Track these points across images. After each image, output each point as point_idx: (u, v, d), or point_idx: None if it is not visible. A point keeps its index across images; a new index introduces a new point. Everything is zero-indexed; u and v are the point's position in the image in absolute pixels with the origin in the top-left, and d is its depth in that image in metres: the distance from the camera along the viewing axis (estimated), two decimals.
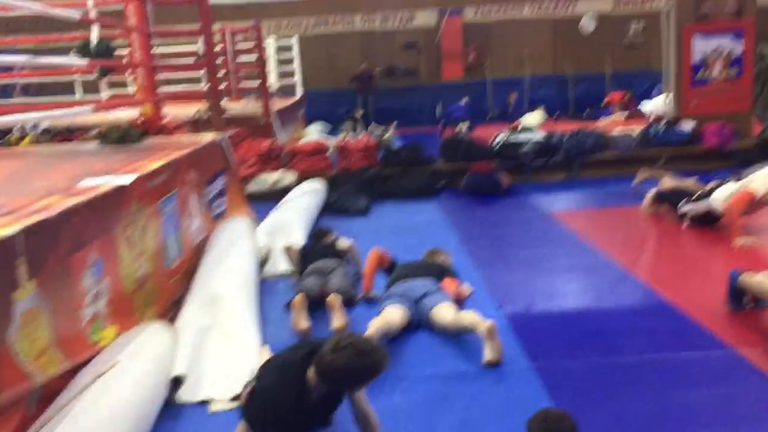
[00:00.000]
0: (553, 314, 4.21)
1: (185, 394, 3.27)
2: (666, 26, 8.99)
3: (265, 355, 3.53)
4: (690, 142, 8.72)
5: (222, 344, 3.61)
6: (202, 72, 9.97)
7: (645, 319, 4.03)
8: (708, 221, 5.80)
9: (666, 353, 3.53)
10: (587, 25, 15.50)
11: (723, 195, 5.61)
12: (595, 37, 15.94)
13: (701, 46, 8.78)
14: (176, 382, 3.29)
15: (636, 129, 9.43)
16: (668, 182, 6.60)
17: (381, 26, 16.51)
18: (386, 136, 11.99)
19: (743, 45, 8.80)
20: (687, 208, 5.91)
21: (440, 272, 4.39)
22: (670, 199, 6.24)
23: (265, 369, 2.82)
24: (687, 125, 8.79)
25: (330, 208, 7.52)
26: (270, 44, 13.61)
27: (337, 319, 3.95)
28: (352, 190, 7.83)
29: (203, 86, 9.61)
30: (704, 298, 4.20)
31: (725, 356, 3.45)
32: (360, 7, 16.24)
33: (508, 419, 2.97)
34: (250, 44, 11.22)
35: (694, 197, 5.93)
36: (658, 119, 9.90)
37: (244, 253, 4.90)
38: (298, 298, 4.14)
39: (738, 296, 3.94)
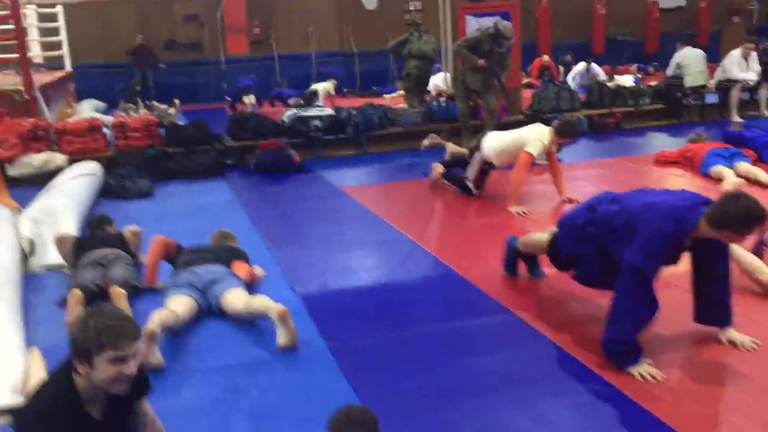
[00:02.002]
0: (347, 292, 4.20)
1: None
2: (442, 5, 9.36)
3: (36, 357, 3.12)
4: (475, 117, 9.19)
5: None
6: None
7: (434, 290, 4.16)
8: (486, 172, 6.26)
9: (455, 322, 3.65)
10: (368, 2, 15.79)
11: (491, 144, 6.02)
12: (378, 15, 16.30)
13: (474, 25, 9.24)
14: None
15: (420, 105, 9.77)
16: (450, 148, 7.08)
17: None
18: (170, 112, 11.34)
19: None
20: (469, 172, 6.24)
21: (230, 255, 4.18)
22: (454, 165, 6.56)
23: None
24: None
25: (108, 191, 6.94)
26: (30, 12, 12.21)
27: None
28: (132, 172, 7.29)
29: None
30: (486, 267, 4.42)
31: (508, 321, 3.64)
32: None
33: (306, 404, 2.89)
34: (5, 12, 9.96)
35: (468, 155, 6.34)
36: (439, 95, 10.37)
37: (2, 245, 4.32)
38: (74, 293, 3.72)
39: (514, 262, 4.18)
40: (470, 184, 6.25)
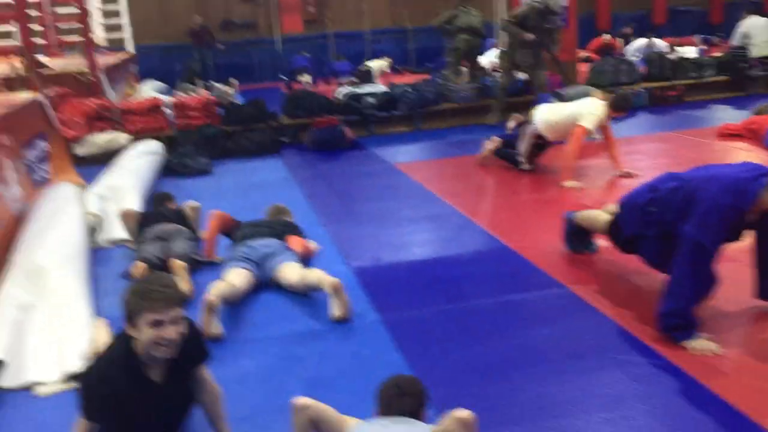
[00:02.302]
0: (399, 266, 4.24)
1: (8, 379, 2.97)
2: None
3: (103, 328, 3.28)
4: (523, 91, 9.08)
5: (48, 321, 3.30)
6: (14, 25, 9.02)
7: (486, 264, 4.17)
8: (540, 147, 6.16)
9: (507, 295, 3.66)
10: None
11: (542, 115, 5.97)
12: None
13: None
14: None
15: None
16: (510, 123, 6.92)
17: None
18: (227, 92, 11.53)
19: None
20: (520, 147, 6.20)
21: (285, 230, 4.27)
22: (509, 145, 6.47)
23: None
24: (519, 75, 9.14)
25: (169, 170, 7.14)
26: None
27: (182, 285, 3.75)
28: (192, 150, 7.48)
29: (16, 41, 8.70)
30: (539, 242, 4.40)
31: (561, 295, 3.64)
32: None
33: (358, 374, 2.96)
34: None
35: (519, 129, 6.26)
36: (494, 70, 10.24)
37: (70, 221, 4.52)
38: (139, 266, 3.88)
39: (574, 237, 4.14)
40: (521, 158, 6.19)
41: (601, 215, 3.85)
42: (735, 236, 3.08)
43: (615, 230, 3.63)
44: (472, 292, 3.74)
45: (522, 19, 8.08)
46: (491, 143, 6.60)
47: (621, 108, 5.77)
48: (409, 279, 4.02)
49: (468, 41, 9.69)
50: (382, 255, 4.43)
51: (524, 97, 8.82)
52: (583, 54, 12.76)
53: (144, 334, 2.22)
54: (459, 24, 9.69)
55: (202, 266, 4.24)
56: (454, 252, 4.42)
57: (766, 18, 10.34)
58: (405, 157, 7.47)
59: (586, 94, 6.30)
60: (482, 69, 10.00)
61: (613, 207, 3.82)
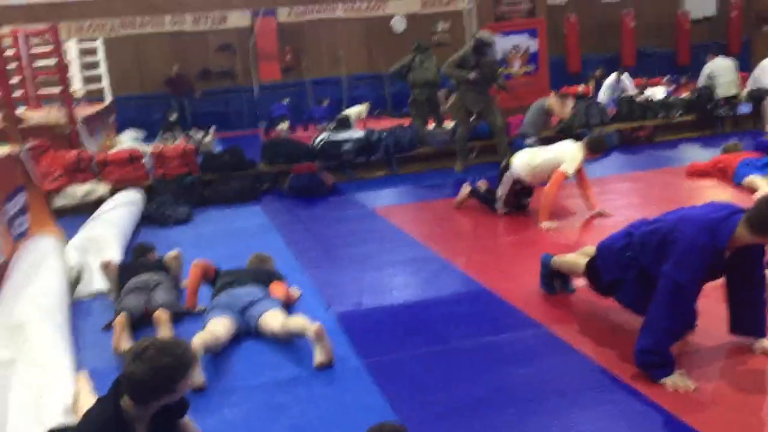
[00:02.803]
0: (381, 309, 4.28)
1: None
2: (469, 25, 9.49)
3: (83, 382, 3.27)
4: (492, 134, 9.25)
5: (29, 377, 3.29)
6: None
7: (466, 306, 4.22)
8: (521, 195, 6.26)
9: (487, 337, 3.71)
10: (397, 24, 16.00)
11: (522, 161, 6.08)
12: (406, 36, 16.50)
13: (502, 44, 9.37)
14: None
15: (451, 124, 9.87)
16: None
17: (192, 27, 15.96)
18: (206, 140, 11.64)
19: (538, 42, 9.51)
20: (499, 192, 6.29)
21: (267, 277, 4.31)
22: (484, 192, 6.58)
23: (85, 413, 2.47)
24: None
25: (149, 219, 7.16)
26: (71, 47, 12.70)
27: (164, 335, 3.76)
28: (171, 199, 7.51)
29: None
30: (517, 283, 4.47)
31: (539, 334, 3.70)
32: (169, 8, 15.60)
33: (343, 420, 2.98)
34: (48, 48, 10.38)
35: (499, 174, 6.33)
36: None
37: (51, 274, 4.52)
38: (120, 318, 3.89)
39: (550, 279, 4.22)
40: (498, 203, 6.28)
41: (578, 260, 3.92)
42: (712, 275, 3.16)
43: (594, 276, 3.71)
44: (453, 334, 3.78)
45: (461, 62, 8.26)
46: (466, 188, 6.70)
47: (597, 150, 5.92)
48: (391, 322, 4.06)
49: (424, 93, 9.79)
50: (363, 299, 4.47)
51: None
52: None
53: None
54: (412, 79, 9.80)
55: (184, 316, 4.25)
56: (433, 295, 4.48)
57: (730, 59, 10.69)
58: (383, 201, 7.56)
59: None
60: (441, 119, 10.12)
61: (590, 249, 3.91)
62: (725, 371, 3.22)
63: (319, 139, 9.14)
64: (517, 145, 8.01)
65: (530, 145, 7.81)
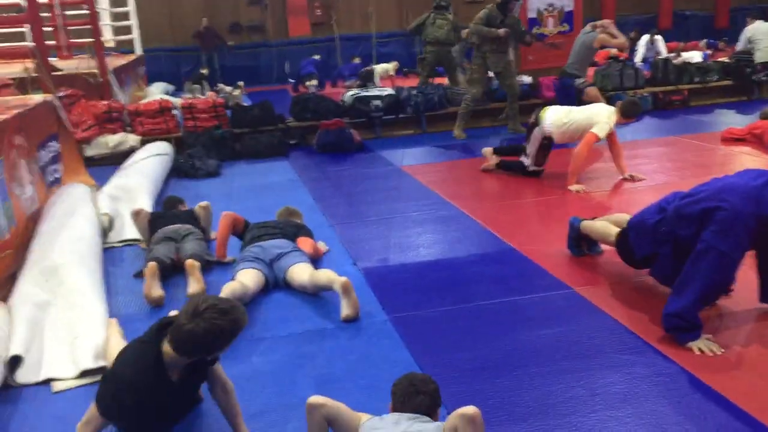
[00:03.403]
0: (407, 267, 4.30)
1: (24, 376, 3.05)
2: None
3: (114, 327, 3.35)
4: (530, 95, 9.15)
5: (63, 319, 3.38)
6: (26, 27, 9.12)
7: (492, 266, 4.22)
8: (547, 148, 6.14)
9: (513, 296, 3.72)
10: None
11: (553, 118, 5.92)
12: None
13: (536, 2, 9.17)
14: (14, 363, 3.05)
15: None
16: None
17: None
18: (235, 94, 11.64)
19: (573, 1, 9.29)
20: (528, 149, 6.17)
21: (295, 231, 4.35)
22: (509, 152, 6.53)
23: (121, 354, 2.56)
24: (525, 79, 9.20)
25: (179, 170, 7.23)
26: None
27: (195, 284, 3.84)
28: (201, 151, 7.56)
29: (28, 43, 8.80)
30: (545, 244, 4.46)
31: (566, 296, 3.70)
32: None
33: (368, 372, 3.02)
34: None
35: (528, 129, 6.20)
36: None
37: (83, 221, 4.60)
38: (150, 266, 3.96)
39: (578, 242, 4.20)
40: (528, 160, 6.17)
41: (609, 229, 3.86)
42: (755, 243, 3.09)
43: (625, 251, 3.66)
44: (479, 293, 3.80)
45: (487, 19, 8.06)
46: (492, 157, 6.56)
47: (630, 114, 5.80)
48: (417, 280, 4.08)
49: (435, 53, 9.70)
50: (390, 256, 4.50)
51: (529, 101, 8.88)
52: None
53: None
54: (424, 37, 9.76)
55: (213, 266, 4.32)
56: (460, 253, 4.48)
57: None
58: (411, 159, 7.53)
59: None
60: (457, 80, 9.96)
61: (620, 217, 3.87)
62: (752, 337, 3.20)
63: (348, 95, 9.09)
64: (565, 85, 7.98)
65: (580, 86, 7.86)
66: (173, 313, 3.74)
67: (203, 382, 2.62)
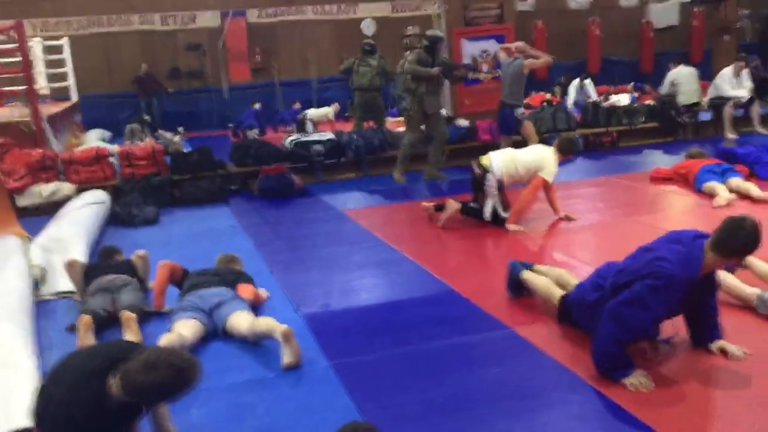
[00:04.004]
0: (349, 311, 4.31)
1: None
2: (438, 29, 9.54)
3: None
4: (466, 138, 9.36)
5: None
6: None
7: (434, 308, 4.27)
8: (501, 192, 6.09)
9: (454, 338, 3.76)
10: (367, 28, 16.03)
11: (500, 163, 5.95)
12: (376, 39, 16.54)
13: (470, 49, 9.46)
14: None
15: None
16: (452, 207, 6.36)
17: (161, 26, 15.80)
18: (175, 140, 11.54)
19: None
20: (491, 200, 5.96)
21: (235, 278, 4.31)
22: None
23: (58, 374, 2.53)
24: (463, 122, 9.43)
25: (115, 219, 7.09)
26: (36, 44, 12.47)
27: (131, 337, 3.75)
28: (138, 199, 7.45)
29: None
30: (484, 284, 4.54)
31: (506, 336, 3.76)
32: (138, 7, 15.43)
33: (310, 421, 3.00)
34: (13, 45, 10.19)
35: (473, 182, 6.17)
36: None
37: (14, 274, 4.47)
38: (84, 319, 3.86)
39: (517, 284, 4.24)
40: (500, 210, 5.97)
41: (552, 291, 3.89)
42: (682, 305, 3.22)
43: (567, 320, 3.72)
44: (421, 336, 3.83)
45: (418, 62, 8.14)
46: (454, 204, 6.18)
47: (568, 151, 6.05)
48: (359, 324, 4.09)
49: (362, 98, 10.12)
50: (332, 301, 4.50)
51: (466, 144, 9.09)
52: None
53: None
54: (350, 83, 10.19)
55: (151, 317, 4.23)
56: (402, 296, 4.52)
57: (691, 68, 10.93)
58: (353, 203, 7.59)
59: None
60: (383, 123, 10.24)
61: (561, 274, 4.00)
62: (687, 372, 3.30)
63: (289, 140, 9.13)
64: (505, 115, 8.20)
65: (520, 117, 8.10)
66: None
67: (140, 415, 2.61)
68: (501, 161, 5.99)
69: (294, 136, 9.32)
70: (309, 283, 4.87)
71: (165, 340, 3.48)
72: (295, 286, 4.80)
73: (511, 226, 5.84)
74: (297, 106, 14.96)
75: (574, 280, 3.88)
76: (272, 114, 15.02)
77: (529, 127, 8.24)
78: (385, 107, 10.78)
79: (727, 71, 10.14)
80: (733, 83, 10.02)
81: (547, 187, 6.05)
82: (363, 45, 10.51)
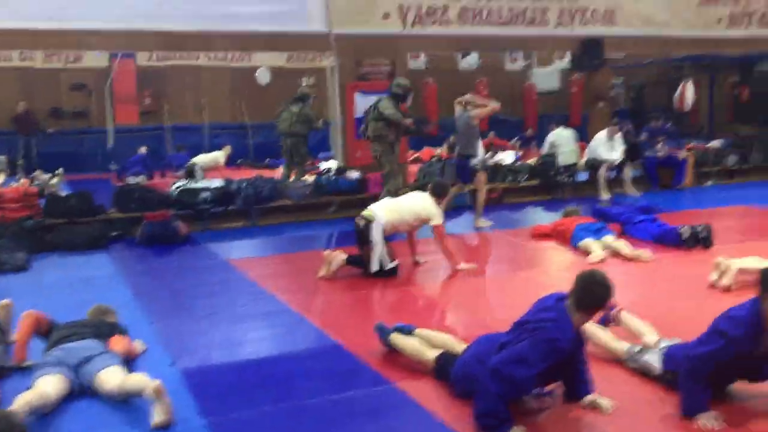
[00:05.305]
0: (230, 365, 4.17)
1: None
2: (331, 83, 9.70)
3: None
4: (357, 190, 9.43)
5: None
6: None
7: (317, 362, 4.20)
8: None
9: (336, 394, 3.69)
10: (262, 76, 16.04)
11: (383, 212, 6.03)
12: (271, 89, 16.59)
13: (363, 103, 9.63)
14: None
15: (309, 178, 9.99)
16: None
17: (44, 64, 15.15)
18: (52, 182, 10.99)
19: None
20: (379, 249, 5.98)
21: (108, 331, 4.08)
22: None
23: None
24: (354, 174, 9.52)
25: None
26: None
27: None
28: (7, 244, 6.99)
29: None
30: (370, 339, 4.50)
31: (388, 392, 3.73)
32: (18, 42, 14.77)
33: None
34: None
35: (359, 233, 6.13)
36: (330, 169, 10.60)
37: None
38: None
39: (388, 343, 4.17)
40: (386, 261, 5.96)
41: (424, 353, 3.88)
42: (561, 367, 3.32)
43: (443, 375, 3.71)
44: (302, 391, 3.74)
45: (395, 109, 8.17)
46: (339, 254, 6.12)
47: (442, 194, 6.31)
48: (239, 379, 3.95)
49: (285, 143, 10.49)
50: (212, 354, 4.34)
51: (356, 195, 9.16)
52: (413, 155, 13.58)
53: None
54: (277, 131, 10.60)
55: (11, 372, 3.92)
56: (285, 350, 4.43)
57: (570, 130, 11.58)
58: (240, 252, 7.44)
59: None
60: (303, 172, 10.44)
61: (435, 337, 4.00)
62: (557, 425, 3.39)
63: (175, 186, 8.89)
64: (463, 165, 8.42)
65: (475, 167, 8.34)
66: None
67: None
68: (384, 211, 6.08)
69: (181, 183, 9.09)
70: (190, 336, 4.70)
71: (23, 399, 3.22)
72: (174, 338, 4.62)
73: (462, 266, 6.11)
74: (183, 151, 14.62)
75: (459, 347, 3.86)
76: (160, 159, 14.63)
77: (482, 178, 8.56)
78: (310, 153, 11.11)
79: (602, 135, 10.80)
80: (607, 146, 10.67)
81: (441, 233, 6.15)
82: (297, 92, 10.82)
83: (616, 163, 10.68)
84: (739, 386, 3.49)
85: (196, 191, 8.71)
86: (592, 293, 3.20)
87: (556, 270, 6.53)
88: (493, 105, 8.77)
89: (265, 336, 4.77)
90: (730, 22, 11.99)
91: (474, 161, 8.44)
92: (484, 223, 8.42)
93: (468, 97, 8.84)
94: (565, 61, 15.84)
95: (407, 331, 4.18)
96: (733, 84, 17.57)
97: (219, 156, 13.02)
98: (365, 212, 6.11)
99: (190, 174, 10.11)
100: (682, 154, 11.50)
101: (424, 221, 6.14)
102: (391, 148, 8.39)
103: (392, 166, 8.48)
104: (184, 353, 4.32)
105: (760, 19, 12.22)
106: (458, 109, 8.71)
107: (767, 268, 3.30)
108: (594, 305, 3.23)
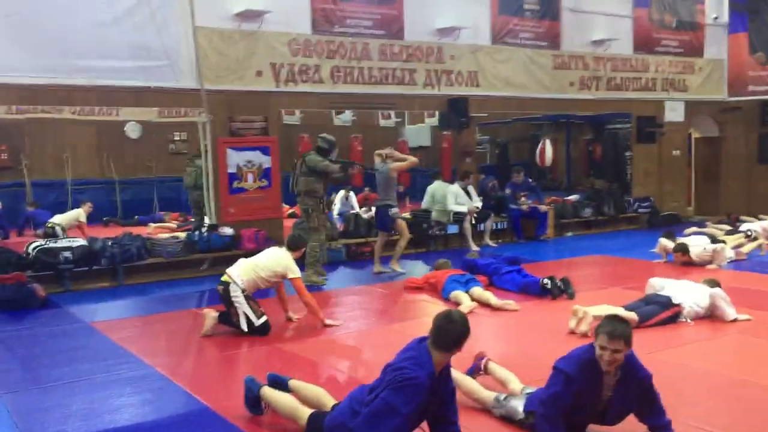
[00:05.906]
0: None
1: None
2: (203, 137, 9.55)
3: None
4: (231, 246, 9.27)
5: None
6: None
7: (184, 428, 4.04)
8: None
9: None
10: (131, 131, 15.60)
11: (243, 271, 6.08)
12: (141, 144, 16.13)
13: (235, 159, 9.58)
14: None
15: (182, 234, 9.72)
16: None
17: None
18: None
19: (271, 160, 9.88)
20: (244, 309, 5.94)
21: None
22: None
23: None
24: (227, 230, 9.35)
25: None
26: None
27: None
28: None
29: None
30: (238, 399, 4.38)
31: None
32: None
33: None
34: None
35: (222, 295, 6.06)
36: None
37: None
38: None
39: (256, 402, 4.08)
40: (254, 319, 5.91)
41: (297, 412, 3.82)
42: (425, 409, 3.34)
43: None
44: None
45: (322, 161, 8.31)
46: (211, 312, 6.08)
47: (298, 248, 6.42)
48: None
49: (189, 195, 11.50)
50: (69, 427, 4.06)
51: (231, 251, 8.99)
52: (288, 210, 13.55)
53: None
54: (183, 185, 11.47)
55: None
56: (149, 418, 4.22)
57: (447, 184, 11.95)
58: (104, 314, 7.07)
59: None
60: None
61: (310, 391, 3.96)
62: None
63: (33, 246, 8.37)
64: (382, 215, 8.84)
65: (394, 216, 8.73)
66: None
67: None
68: (240, 272, 6.07)
69: (39, 242, 8.57)
70: (44, 408, 4.38)
71: None
72: (27, 411, 4.30)
73: (328, 322, 6.17)
74: (35, 208, 13.73)
75: (330, 401, 3.83)
76: (17, 216, 13.75)
77: (402, 225, 8.93)
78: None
79: (453, 188, 11.26)
80: (462, 198, 11.13)
81: (299, 286, 6.13)
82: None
83: (466, 212, 11.02)
84: (595, 428, 3.68)
85: (56, 251, 8.24)
86: (447, 333, 3.30)
87: (429, 321, 6.62)
88: (412, 159, 9.30)
89: (129, 403, 4.52)
90: (581, 84, 13.01)
91: (392, 210, 8.80)
92: (399, 267, 8.93)
93: (388, 150, 9.22)
94: (434, 119, 16.48)
95: (281, 382, 4.12)
96: (587, 142, 18.91)
97: (79, 213, 12.30)
98: (223, 277, 6.11)
99: (50, 233, 9.56)
100: (543, 207, 12.18)
101: (281, 276, 6.13)
102: (319, 202, 8.49)
103: (319, 221, 8.53)
104: (36, 428, 4.03)
105: (606, 83, 13.35)
106: (378, 161, 9.06)
107: (610, 315, 3.59)
108: (451, 344, 3.31)
